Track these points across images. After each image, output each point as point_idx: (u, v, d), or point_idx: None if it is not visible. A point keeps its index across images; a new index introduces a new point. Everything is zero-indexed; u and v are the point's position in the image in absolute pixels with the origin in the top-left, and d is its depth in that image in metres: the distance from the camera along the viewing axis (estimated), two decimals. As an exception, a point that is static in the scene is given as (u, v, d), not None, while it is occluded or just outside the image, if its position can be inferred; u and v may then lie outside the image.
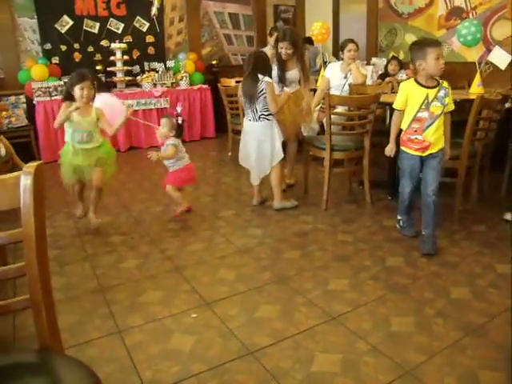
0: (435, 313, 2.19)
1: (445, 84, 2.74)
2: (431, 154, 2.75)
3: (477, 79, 4.18)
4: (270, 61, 3.55)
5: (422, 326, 2.08)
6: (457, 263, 2.67)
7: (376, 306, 2.25)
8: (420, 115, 2.71)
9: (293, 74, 3.89)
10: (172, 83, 6.42)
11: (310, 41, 6.40)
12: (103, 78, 6.12)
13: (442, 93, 2.70)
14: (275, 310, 2.22)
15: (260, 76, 3.33)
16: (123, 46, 6.16)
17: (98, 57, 6.34)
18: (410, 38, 6.38)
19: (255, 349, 1.94)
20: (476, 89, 4.13)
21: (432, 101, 2.69)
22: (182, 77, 6.47)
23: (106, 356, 1.92)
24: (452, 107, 2.77)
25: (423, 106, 2.69)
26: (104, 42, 6.34)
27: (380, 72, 5.69)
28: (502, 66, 4.08)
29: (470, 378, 1.75)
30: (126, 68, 6.26)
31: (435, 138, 2.73)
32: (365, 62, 6.14)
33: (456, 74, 5.45)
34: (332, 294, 2.38)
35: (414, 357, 1.87)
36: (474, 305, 2.25)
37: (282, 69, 3.86)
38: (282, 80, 3.85)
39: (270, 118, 3.43)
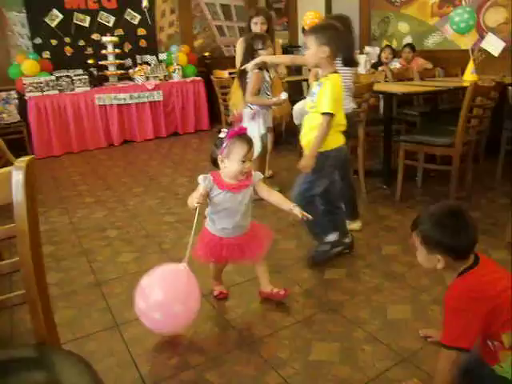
0: (431, 300, 2.20)
1: (324, 79, 2.29)
2: None
3: (470, 66, 4.17)
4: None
5: (418, 313, 2.09)
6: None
7: (372, 294, 2.26)
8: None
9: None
10: (165, 76, 6.39)
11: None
12: (95, 72, 6.09)
13: (316, 88, 2.33)
14: (271, 300, 2.22)
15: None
16: (114, 39, 6.12)
17: (90, 51, 6.30)
18: (403, 27, 6.37)
19: (253, 339, 1.95)
20: (469, 76, 4.12)
21: (309, 95, 2.40)
22: (175, 69, 6.43)
23: (105, 350, 1.92)
24: (322, 109, 2.24)
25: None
26: (95, 36, 6.29)
27: (373, 61, 5.67)
28: (496, 52, 4.07)
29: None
30: (117, 61, 6.21)
31: (304, 141, 2.39)
32: (358, 51, 6.12)
33: (449, 61, 5.46)
34: (328, 283, 2.39)
35: (410, 343, 1.89)
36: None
37: None
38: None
39: (252, 107, 3.38)
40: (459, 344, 1.36)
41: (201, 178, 1.97)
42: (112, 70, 6.17)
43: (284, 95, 3.30)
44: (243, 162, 1.93)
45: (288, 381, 1.70)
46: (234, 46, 7.56)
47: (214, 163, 2.02)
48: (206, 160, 5.19)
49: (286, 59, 3.65)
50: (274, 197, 2.09)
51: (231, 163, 1.94)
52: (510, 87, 2.78)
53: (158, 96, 6.16)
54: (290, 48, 7.17)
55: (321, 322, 2.05)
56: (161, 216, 3.41)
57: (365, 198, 3.57)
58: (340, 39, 2.31)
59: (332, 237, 2.60)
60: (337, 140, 2.39)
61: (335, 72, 2.31)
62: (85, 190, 4.13)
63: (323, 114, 2.25)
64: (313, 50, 2.27)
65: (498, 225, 2.98)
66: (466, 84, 3.46)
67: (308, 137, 2.36)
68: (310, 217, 1.97)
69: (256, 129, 3.36)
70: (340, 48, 2.33)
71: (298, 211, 1.97)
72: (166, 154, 5.47)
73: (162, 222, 3.30)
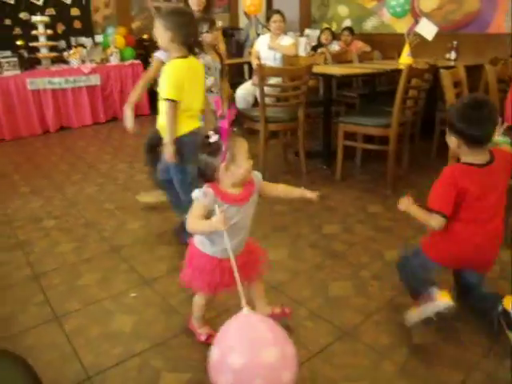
0: (371, 275, 2.28)
1: (166, 65, 2.34)
2: None
3: (406, 50, 4.30)
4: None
5: (358, 289, 2.17)
6: (391, 227, 2.78)
7: (314, 272, 2.32)
8: None
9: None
10: (102, 59, 6.14)
11: None
12: (25, 55, 5.74)
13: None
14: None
15: None
16: (45, 19, 5.77)
17: (18, 31, 5.90)
18: (342, 10, 6.47)
19: (198, 323, 1.94)
20: (405, 59, 4.26)
21: None
22: (112, 52, 6.19)
23: (45, 344, 1.85)
24: (163, 95, 2.28)
25: None
26: (23, 15, 5.89)
27: (313, 43, 5.73)
28: (429, 36, 4.21)
29: (404, 333, 1.85)
30: (50, 43, 5.87)
31: (159, 126, 2.45)
32: (298, 34, 6.16)
33: (386, 44, 5.61)
34: (271, 263, 2.41)
35: (352, 318, 1.95)
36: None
37: None
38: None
39: None
40: (434, 206, 1.71)
41: (198, 194, 1.56)
42: (44, 52, 5.84)
43: (209, 81, 3.11)
44: (248, 158, 1.60)
45: (233, 362, 1.71)
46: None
47: (208, 178, 1.59)
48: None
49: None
50: (280, 188, 1.81)
51: (238, 166, 1.56)
52: (441, 70, 2.89)
53: (95, 80, 5.92)
54: (231, 30, 7.09)
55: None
56: (100, 203, 3.31)
57: (305, 178, 3.63)
58: (185, 26, 2.31)
59: None
60: (188, 125, 2.39)
61: (184, 57, 2.32)
62: (19, 180, 3.92)
63: (165, 100, 2.28)
64: (159, 34, 2.30)
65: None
66: (401, 67, 3.56)
67: (159, 121, 2.42)
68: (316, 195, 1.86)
69: None
70: (185, 34, 2.31)
71: (310, 194, 1.82)
72: (105, 139, 5.30)
73: (101, 209, 3.20)
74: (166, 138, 2.33)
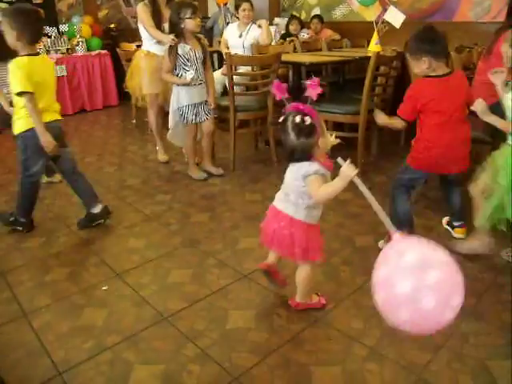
0: (342, 261, 2.31)
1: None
2: None
3: (374, 38, 4.33)
4: None
5: (330, 275, 2.19)
6: (360, 213, 2.82)
7: (286, 260, 2.32)
8: None
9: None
10: (67, 49, 5.98)
11: None
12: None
13: None
14: (187, 274, 2.22)
15: None
16: (3, 5, 5.54)
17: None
18: (311, -2, 6.46)
19: (169, 314, 1.93)
20: (374, 47, 4.28)
21: None
22: (78, 42, 6.05)
23: (12, 342, 1.81)
24: (14, 91, 2.36)
25: None
26: (-19, 2, 5.68)
27: (283, 32, 5.71)
28: (397, 24, 4.25)
29: (374, 317, 1.88)
30: (12, 33, 5.69)
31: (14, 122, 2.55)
32: (268, 22, 6.12)
33: (355, 32, 5.64)
34: (242, 252, 2.43)
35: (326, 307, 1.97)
36: (376, 250, 2.37)
37: None
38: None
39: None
40: (398, 112, 2.27)
41: (313, 169, 1.65)
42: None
43: (190, 74, 3.14)
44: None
45: (206, 351, 1.72)
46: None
47: (307, 156, 1.67)
48: (116, 136, 5.02)
49: None
50: None
51: (325, 137, 1.71)
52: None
53: (60, 71, 5.77)
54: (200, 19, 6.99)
55: (236, 291, 2.08)
56: (69, 196, 3.22)
57: (276, 167, 3.63)
58: (30, 24, 2.35)
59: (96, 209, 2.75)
60: (28, 123, 2.45)
61: (32, 55, 2.38)
62: (-18, 175, 3.81)
63: (17, 94, 2.35)
64: (6, 33, 2.32)
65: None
66: (370, 54, 3.58)
67: (13, 119, 2.52)
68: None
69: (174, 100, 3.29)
70: (31, 33, 2.36)
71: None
72: (73, 132, 5.17)
73: (70, 202, 3.13)
74: (37, 129, 2.41)
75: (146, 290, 2.11)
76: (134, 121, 5.32)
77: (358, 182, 1.46)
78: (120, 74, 6.02)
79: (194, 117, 3.29)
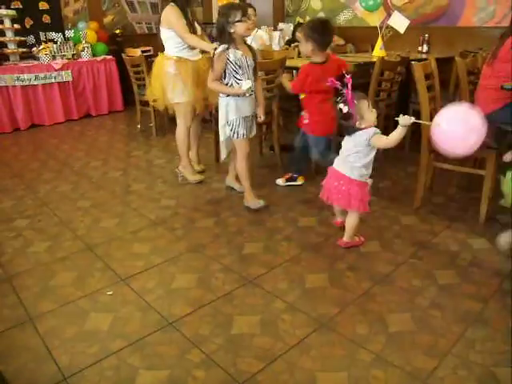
0: (347, 267, 2.30)
1: None
2: None
3: (379, 43, 4.35)
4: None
5: (335, 281, 2.18)
6: (365, 218, 2.80)
7: (290, 265, 2.33)
8: None
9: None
10: (73, 55, 6.01)
11: None
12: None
13: None
14: (192, 279, 2.22)
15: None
16: (11, 12, 5.58)
17: (-18, 26, 5.73)
18: (316, 3, 6.48)
19: (174, 319, 1.93)
20: (378, 52, 4.30)
21: None
22: (84, 47, 6.07)
23: (18, 346, 1.82)
24: None
25: None
26: (-13, 9, 5.72)
27: (287, 38, 5.73)
28: (401, 29, 4.26)
29: (379, 322, 1.88)
30: (18, 38, 5.73)
31: None
32: (272, 28, 6.15)
33: (359, 37, 5.65)
34: (247, 257, 2.42)
35: (328, 310, 1.97)
36: (381, 256, 2.40)
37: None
38: None
39: (220, 94, 2.92)
40: (292, 84, 3.07)
41: (374, 131, 2.22)
42: (12, 47, 5.69)
43: (247, 84, 2.73)
44: (371, 109, 2.24)
45: (211, 356, 1.71)
46: (147, 23, 7.37)
47: (350, 131, 2.28)
48: (121, 141, 5.04)
49: None
50: None
51: (367, 118, 2.22)
52: (413, 62, 2.93)
53: (66, 76, 5.80)
54: (205, 25, 7.02)
55: (241, 297, 2.08)
56: (74, 202, 3.25)
57: (281, 172, 3.63)
58: None
59: None
60: None
61: None
62: (-12, 179, 3.83)
63: None
64: None
65: (406, 192, 3.18)
66: (375, 59, 3.59)
67: None
68: None
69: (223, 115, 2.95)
70: None
71: None
72: (78, 137, 5.20)
73: (75, 207, 3.15)
74: None
75: (150, 295, 2.11)
76: (139, 126, 5.34)
77: (415, 120, 2.10)
78: (125, 79, 6.07)
79: (245, 131, 2.93)
